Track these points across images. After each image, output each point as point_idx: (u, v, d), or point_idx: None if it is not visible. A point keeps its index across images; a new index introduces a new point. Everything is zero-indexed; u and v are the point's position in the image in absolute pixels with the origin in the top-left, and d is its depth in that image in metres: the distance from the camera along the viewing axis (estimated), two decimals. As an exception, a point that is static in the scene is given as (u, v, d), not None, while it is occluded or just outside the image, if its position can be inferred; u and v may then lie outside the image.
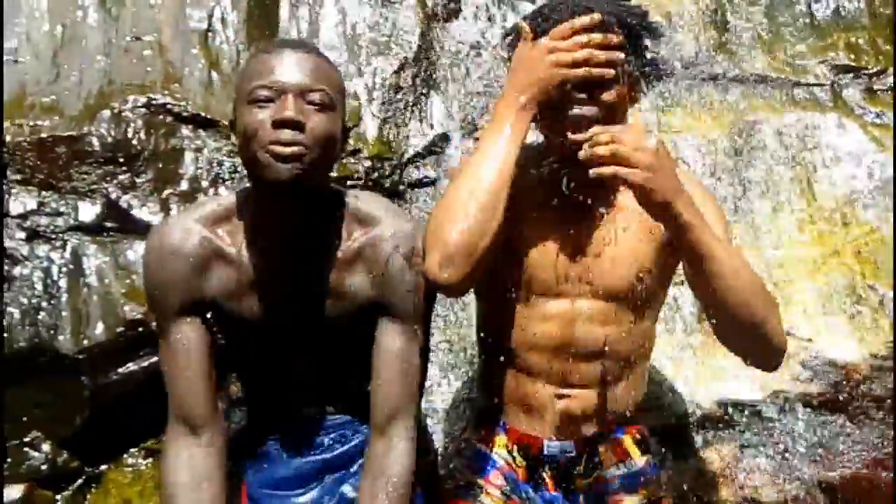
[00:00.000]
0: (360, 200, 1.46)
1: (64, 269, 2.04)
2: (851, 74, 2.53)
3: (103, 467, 2.07)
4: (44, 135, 2.09)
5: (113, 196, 2.10)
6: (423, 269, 1.36)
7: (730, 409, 2.05)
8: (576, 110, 1.35)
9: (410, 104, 2.40)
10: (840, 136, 2.40)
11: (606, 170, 1.26)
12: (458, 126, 2.42)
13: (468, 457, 1.59)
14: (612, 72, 1.33)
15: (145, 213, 2.10)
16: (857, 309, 2.16)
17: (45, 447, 2.01)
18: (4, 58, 2.15)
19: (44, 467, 2.00)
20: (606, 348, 1.48)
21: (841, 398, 2.05)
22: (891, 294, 2.14)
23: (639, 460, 1.54)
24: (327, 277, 1.42)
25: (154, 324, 1.99)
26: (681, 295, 2.13)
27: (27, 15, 2.22)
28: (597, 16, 1.32)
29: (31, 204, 2.07)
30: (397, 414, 1.40)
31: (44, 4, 2.24)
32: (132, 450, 2.08)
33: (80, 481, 2.04)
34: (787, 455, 2.02)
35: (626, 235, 1.47)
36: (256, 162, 1.31)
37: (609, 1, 1.37)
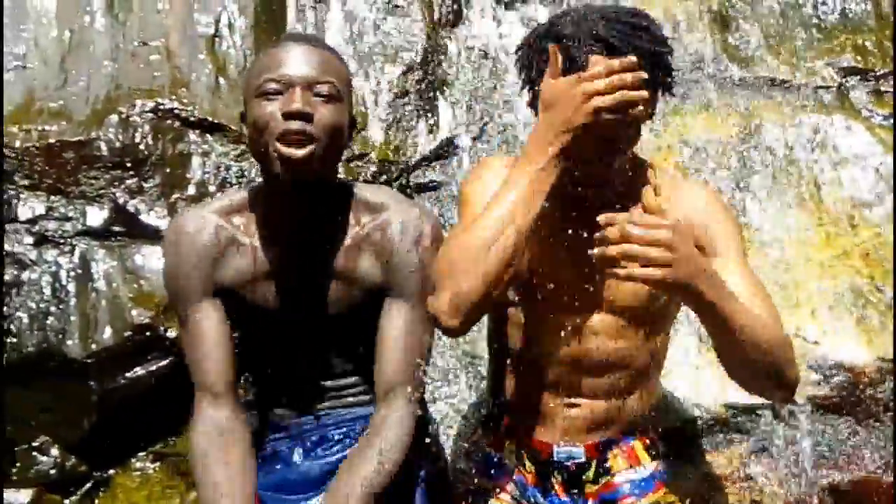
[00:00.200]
0: (367, 190, 1.52)
1: (72, 274, 2.05)
2: (858, 76, 2.52)
3: (111, 471, 2.07)
4: (52, 140, 2.10)
5: (121, 201, 2.11)
6: (431, 311, 1.32)
7: (737, 413, 2.05)
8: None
9: (417, 108, 2.40)
10: (847, 138, 2.40)
11: (621, 272, 1.17)
12: (464, 130, 2.42)
13: (478, 461, 1.59)
14: (642, 109, 1.31)
15: (153, 217, 2.11)
16: (865, 311, 2.15)
17: (54, 451, 2.02)
18: (13, 63, 2.16)
19: (52, 472, 2.01)
20: (619, 362, 1.47)
21: (848, 400, 2.04)
22: (899, 296, 2.14)
23: (648, 466, 1.54)
24: (338, 263, 1.46)
25: (162, 328, 2.02)
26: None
27: (35, 21, 2.24)
28: (633, 58, 1.28)
29: (40, 209, 2.08)
30: (398, 386, 1.43)
31: (51, 10, 2.25)
32: (140, 454, 2.08)
33: (88, 486, 2.05)
34: (794, 458, 2.02)
35: None
36: (267, 153, 1.35)
37: (629, 30, 1.34)
